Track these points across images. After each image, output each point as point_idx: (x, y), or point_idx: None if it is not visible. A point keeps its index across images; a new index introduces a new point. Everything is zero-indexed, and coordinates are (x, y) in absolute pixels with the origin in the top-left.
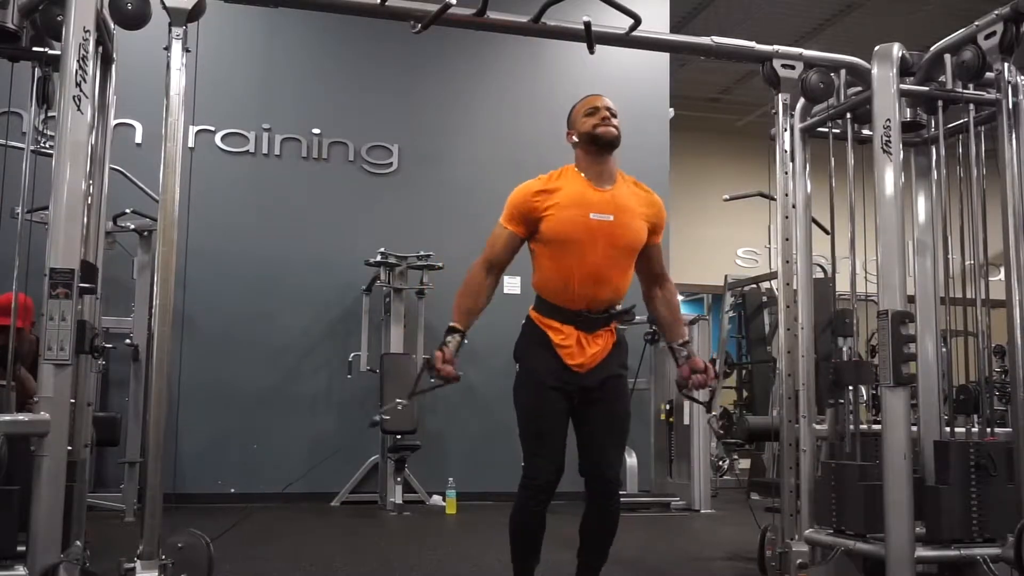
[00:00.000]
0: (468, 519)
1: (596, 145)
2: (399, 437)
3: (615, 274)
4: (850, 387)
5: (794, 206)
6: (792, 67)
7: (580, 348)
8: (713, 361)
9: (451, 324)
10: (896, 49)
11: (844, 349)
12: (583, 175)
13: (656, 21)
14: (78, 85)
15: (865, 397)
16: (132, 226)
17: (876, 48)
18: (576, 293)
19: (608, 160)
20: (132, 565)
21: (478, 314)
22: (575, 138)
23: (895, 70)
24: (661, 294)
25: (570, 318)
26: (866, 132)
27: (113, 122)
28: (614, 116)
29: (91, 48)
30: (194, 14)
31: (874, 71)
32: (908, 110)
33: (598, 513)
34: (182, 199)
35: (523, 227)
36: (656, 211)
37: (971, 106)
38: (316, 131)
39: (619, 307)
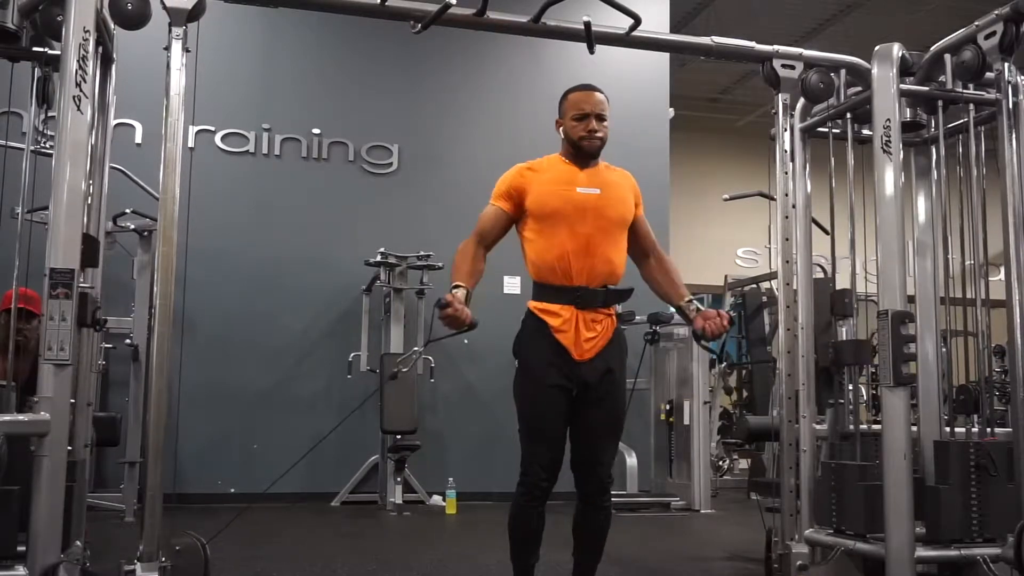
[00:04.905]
0: (468, 519)
1: (580, 154)
2: (399, 437)
3: (608, 247)
4: (850, 386)
5: (794, 206)
6: (792, 67)
7: (578, 333)
8: (713, 363)
9: (453, 284)
10: (896, 49)
11: (843, 330)
12: (568, 161)
13: (656, 21)
14: (78, 85)
15: (865, 397)
16: (132, 226)
17: (876, 48)
18: (572, 266)
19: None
20: (132, 567)
21: (476, 277)
22: (561, 133)
23: (895, 70)
24: (655, 263)
25: (568, 297)
26: (866, 132)
27: (113, 122)
28: (603, 121)
29: (91, 48)
30: (194, 14)
31: (874, 71)
32: (908, 110)
33: (590, 510)
34: (182, 199)
35: (510, 203)
36: (632, 183)
37: (971, 106)
38: (316, 131)
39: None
